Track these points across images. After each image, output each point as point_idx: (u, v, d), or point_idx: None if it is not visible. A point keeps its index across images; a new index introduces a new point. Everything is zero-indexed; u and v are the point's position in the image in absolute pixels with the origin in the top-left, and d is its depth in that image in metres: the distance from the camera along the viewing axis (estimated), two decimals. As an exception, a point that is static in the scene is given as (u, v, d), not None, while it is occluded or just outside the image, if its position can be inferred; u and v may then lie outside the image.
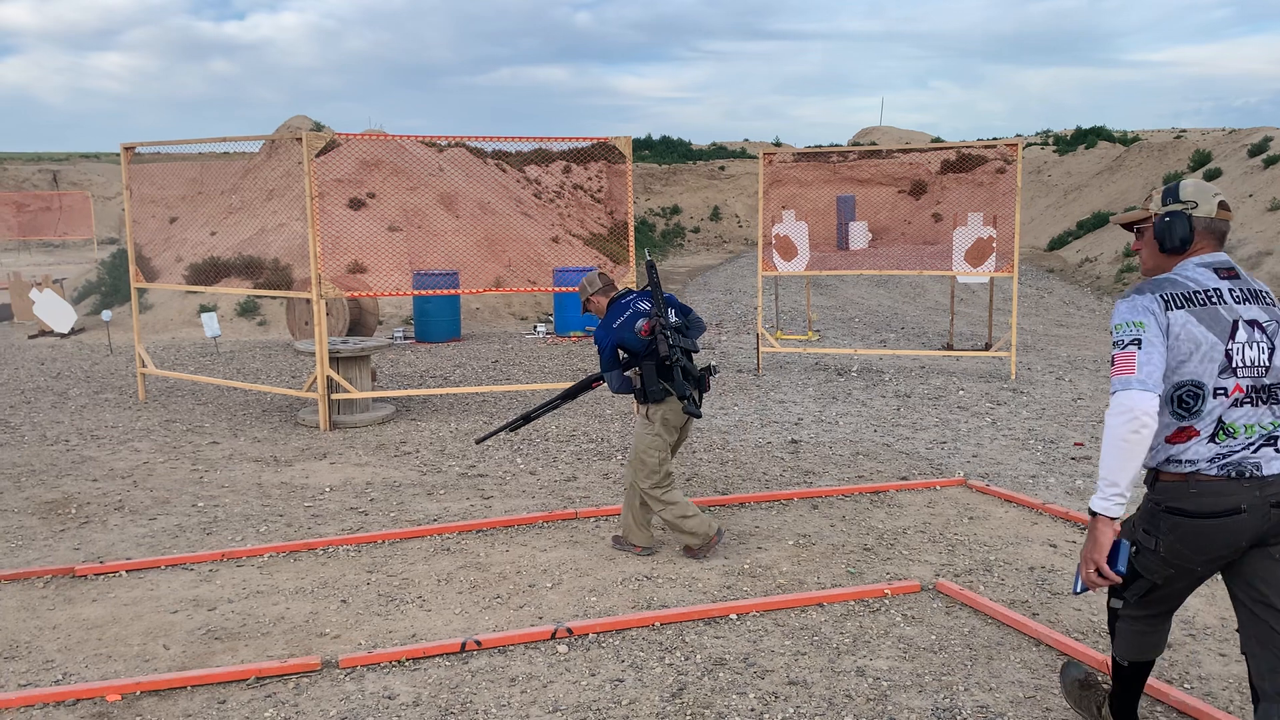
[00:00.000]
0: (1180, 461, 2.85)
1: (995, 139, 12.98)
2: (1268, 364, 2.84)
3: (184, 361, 11.90)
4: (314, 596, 4.96)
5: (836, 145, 36.98)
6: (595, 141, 9.68)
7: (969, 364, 11.23)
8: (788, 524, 5.93)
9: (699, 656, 4.26)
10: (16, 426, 8.70)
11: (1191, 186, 2.98)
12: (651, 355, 5.22)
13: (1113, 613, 3.20)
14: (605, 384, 5.45)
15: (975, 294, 17.87)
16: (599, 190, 27.01)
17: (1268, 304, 2.91)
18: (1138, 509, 3.07)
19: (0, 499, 6.64)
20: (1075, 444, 7.68)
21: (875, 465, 7.20)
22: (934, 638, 4.42)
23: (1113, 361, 2.81)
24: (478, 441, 6.07)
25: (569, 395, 5.74)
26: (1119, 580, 2.87)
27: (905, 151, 21.05)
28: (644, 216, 30.25)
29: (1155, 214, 3.01)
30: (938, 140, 39.29)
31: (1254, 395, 2.83)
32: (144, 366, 9.81)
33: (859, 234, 23.53)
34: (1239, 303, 2.86)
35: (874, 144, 36.95)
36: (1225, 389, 2.81)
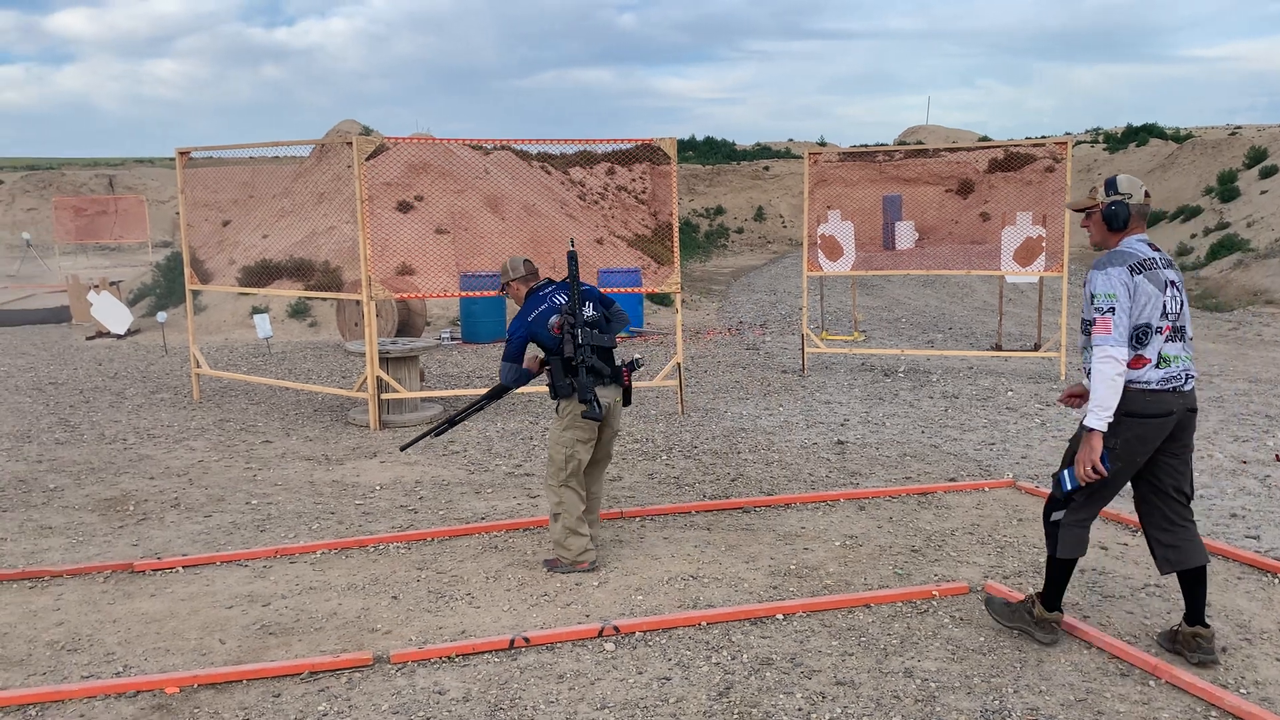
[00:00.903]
0: (1140, 381, 3.93)
1: (1044, 137, 12.84)
2: (1179, 311, 3.98)
3: (237, 362, 12.12)
4: (365, 593, 5.04)
5: (882, 144, 36.72)
6: (639, 143, 9.71)
7: (1018, 365, 11.11)
8: (834, 525, 5.92)
9: (746, 656, 4.27)
10: (76, 425, 8.91)
11: (1125, 181, 4.03)
12: (561, 352, 5.19)
13: (1054, 524, 4.16)
14: (505, 371, 5.34)
15: (1024, 294, 17.66)
16: (643, 191, 27.06)
17: (1176, 269, 4.06)
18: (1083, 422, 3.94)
19: (61, 496, 6.81)
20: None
21: (923, 466, 7.16)
22: (982, 639, 4.40)
23: (1094, 323, 3.88)
24: (402, 449, 6.09)
25: (493, 396, 5.65)
26: (1106, 474, 3.92)
27: (952, 150, 20.87)
28: (687, 217, 30.25)
29: (1101, 202, 4.04)
30: (985, 139, 38.88)
31: (1175, 334, 3.98)
32: (198, 367, 10.01)
33: (905, 234, 23.32)
34: (1164, 268, 3.99)
35: (920, 143, 36.64)
36: (1161, 329, 3.93)
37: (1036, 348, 11.44)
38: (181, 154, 9.93)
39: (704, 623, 4.58)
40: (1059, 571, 4.23)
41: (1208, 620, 4.21)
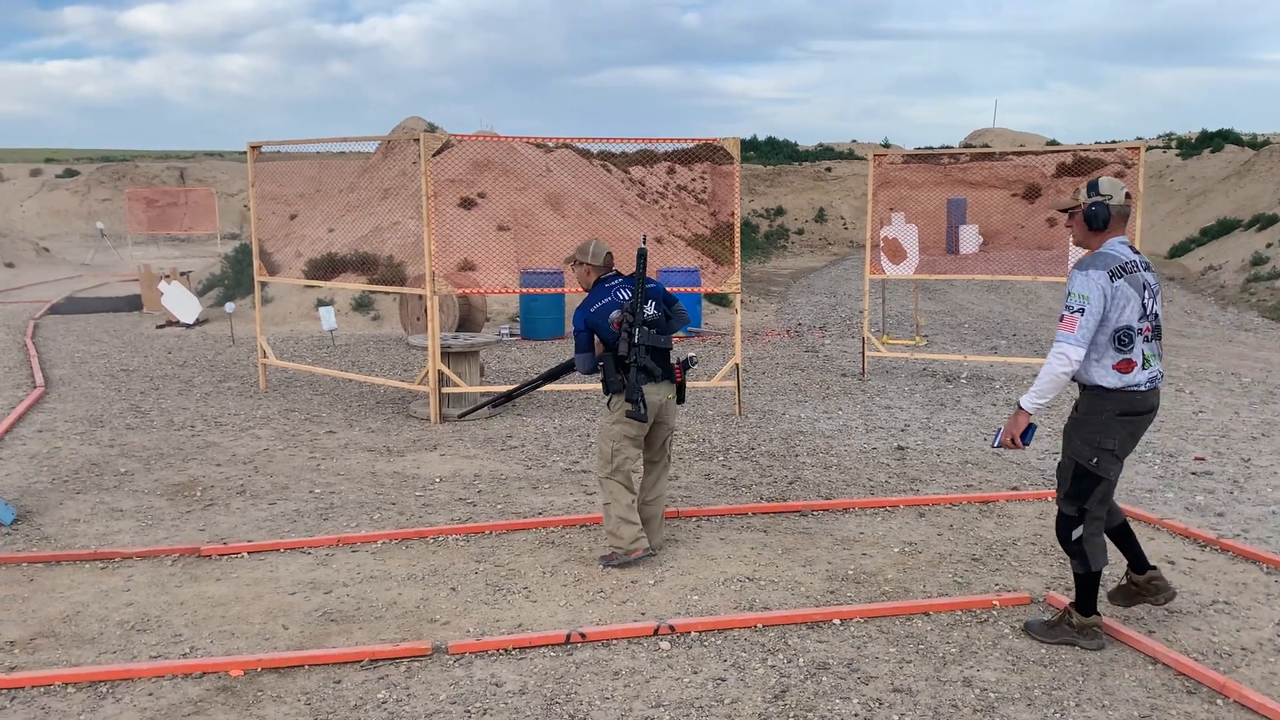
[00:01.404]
0: (1133, 385, 4.14)
1: (1114, 142, 12.57)
2: (1157, 312, 4.21)
3: (302, 353, 12.34)
4: (425, 583, 5.11)
5: (948, 147, 36.24)
6: (700, 142, 9.70)
7: (1083, 373, 10.89)
8: (893, 531, 5.87)
9: (802, 660, 4.25)
10: (146, 412, 9.14)
11: (1107, 183, 4.21)
12: (615, 349, 5.25)
13: (1077, 541, 4.28)
14: (580, 361, 5.45)
15: (1091, 301, 17.29)
16: (703, 191, 27.00)
17: (1154, 272, 4.26)
18: (1078, 435, 4.25)
19: (132, 480, 7.00)
20: (1195, 459, 7.40)
21: (984, 475, 7.06)
22: (1044, 651, 4.33)
23: (1061, 318, 4.12)
24: (459, 416, 6.23)
25: (550, 377, 5.83)
26: (1023, 447, 4.34)
27: (1019, 154, 20.53)
28: (747, 217, 30.13)
29: (1083, 203, 4.22)
30: (1053, 143, 38.17)
31: (1154, 334, 4.19)
32: (265, 357, 10.21)
33: (970, 238, 22.98)
34: (1143, 270, 4.17)
35: (987, 146, 36.08)
36: (1141, 330, 4.12)
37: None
38: (253, 148, 10.13)
39: (760, 625, 4.57)
40: (1091, 582, 4.37)
41: (1152, 564, 4.60)
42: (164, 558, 5.49)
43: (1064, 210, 4.35)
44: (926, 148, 35.52)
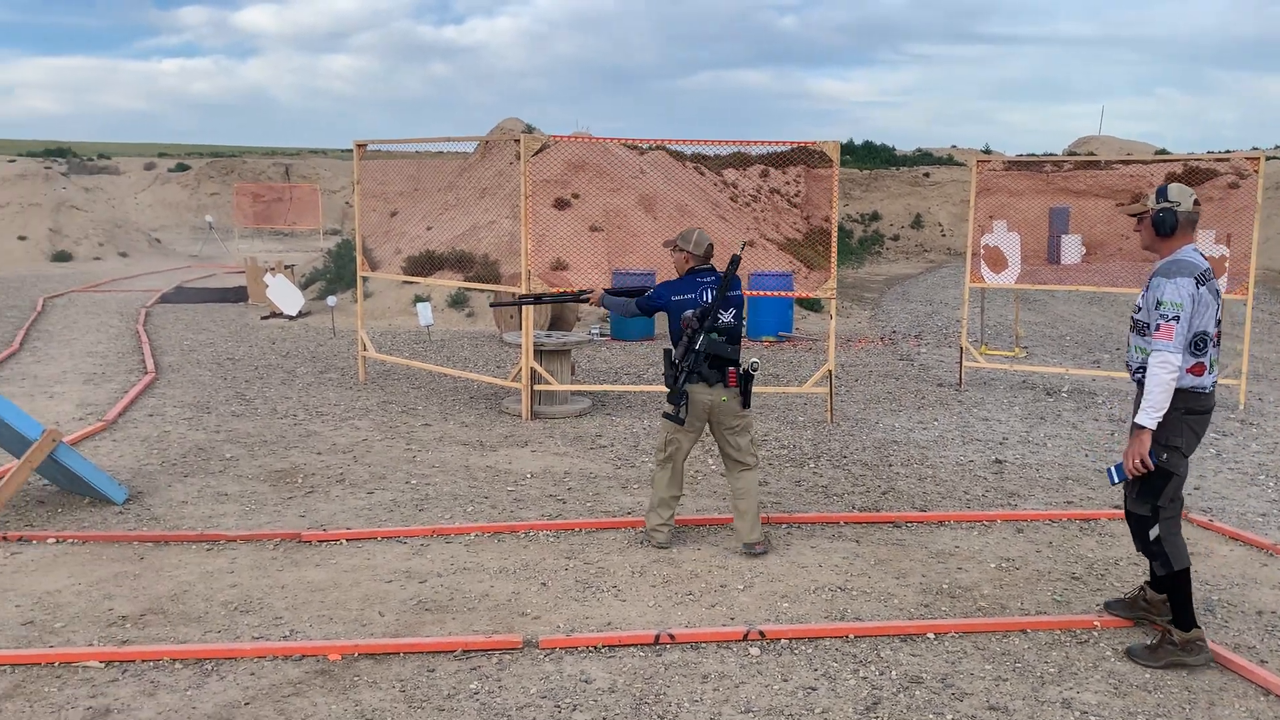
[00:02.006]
0: (1200, 387, 4.23)
1: (1228, 151, 12.10)
2: (1220, 319, 4.29)
3: (399, 347, 12.60)
4: (516, 577, 5.17)
5: (1051, 154, 35.24)
6: (795, 145, 9.62)
7: (1192, 390, 10.49)
8: (989, 546, 5.74)
9: (894, 673, 4.19)
10: (251, 400, 9.44)
11: (1175, 190, 4.28)
12: (679, 343, 5.38)
13: (1155, 541, 4.29)
14: (620, 304, 5.82)
15: (1200, 316, 16.66)
16: (796, 195, 26.77)
17: (1215, 278, 4.31)
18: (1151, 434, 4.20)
19: (236, 465, 7.23)
20: (1314, 483, 7.07)
21: (1085, 491, 6.86)
22: (1148, 676, 4.19)
23: (1158, 328, 4.14)
24: (491, 305, 6.63)
25: (576, 297, 6.35)
26: (1153, 467, 4.18)
27: (1126, 163, 19.89)
28: (841, 222, 29.78)
29: (1152, 209, 4.30)
30: (1162, 151, 36.91)
31: (1218, 339, 4.29)
32: (365, 350, 10.45)
33: (1072, 248, 22.35)
34: (1213, 278, 4.27)
35: (1092, 154, 35.04)
36: (1213, 336, 4.23)
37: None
38: (359, 146, 10.38)
39: (852, 635, 4.51)
40: (1181, 585, 4.33)
41: None
42: (266, 542, 5.66)
43: (1132, 215, 4.44)
44: (1028, 155, 34.65)
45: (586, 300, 6.19)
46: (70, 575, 5.16)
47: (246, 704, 3.89)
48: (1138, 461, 4.18)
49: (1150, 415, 4.15)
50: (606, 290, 6.06)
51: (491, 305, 7.51)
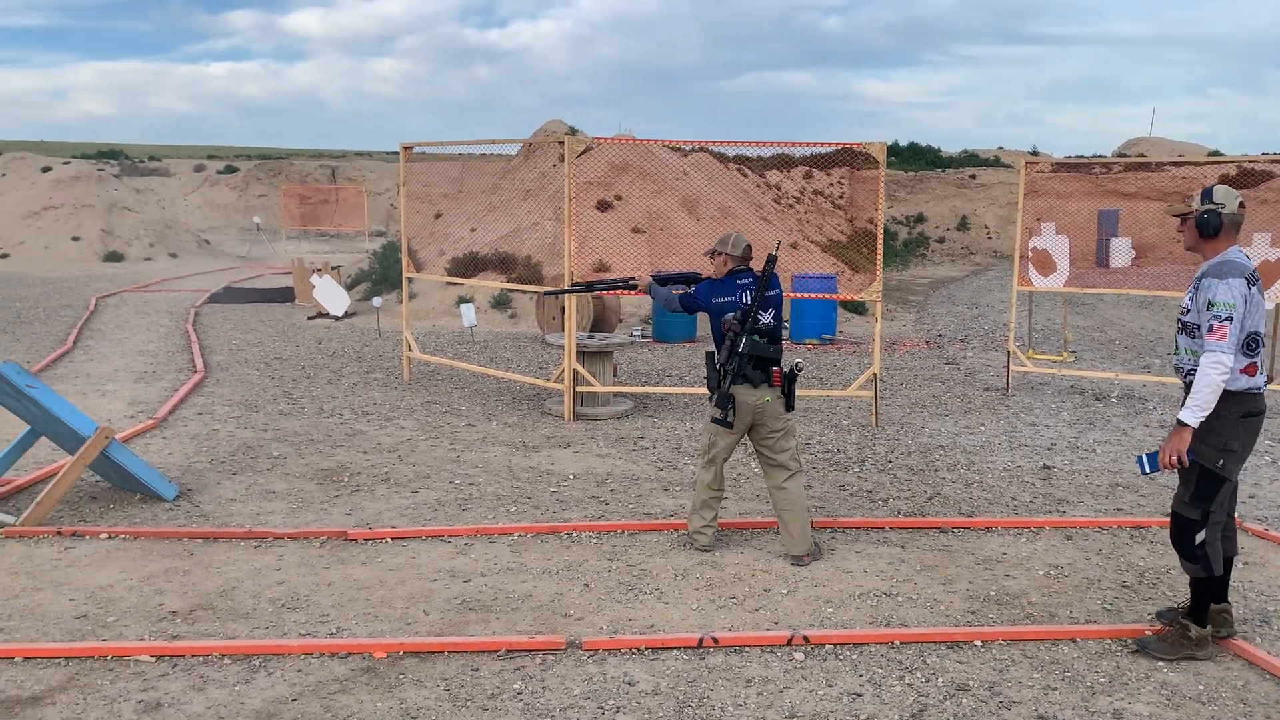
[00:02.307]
0: (1255, 387, 4.22)
1: (1290, 152, 11.82)
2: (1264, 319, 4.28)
3: (443, 348, 12.69)
4: (559, 578, 5.18)
5: (1100, 156, 34.72)
6: (839, 147, 9.55)
7: (1246, 397, 10.28)
8: (1038, 553, 5.65)
9: (941, 680, 4.14)
10: (298, 399, 9.55)
11: (1221, 191, 4.28)
12: (721, 346, 5.40)
13: (1200, 546, 4.27)
14: (665, 296, 5.83)
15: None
16: (840, 196, 26.60)
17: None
18: (1203, 438, 4.18)
19: (284, 463, 7.31)
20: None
21: (1136, 498, 6.74)
22: (1201, 688, 4.10)
23: (1210, 328, 4.10)
24: (544, 294, 6.77)
25: (624, 283, 6.49)
26: (1187, 464, 4.17)
27: (1178, 164, 19.50)
28: (886, 224, 29.52)
29: (1196, 210, 4.29)
30: (1215, 153, 36.19)
31: (1265, 339, 4.27)
32: (409, 350, 10.54)
33: (1121, 251, 21.98)
34: (1259, 280, 4.26)
35: (1142, 155, 34.48)
36: (1264, 335, 4.23)
37: (1269, 380, 10.56)
38: (405, 148, 10.46)
39: (897, 641, 4.46)
40: (1209, 589, 4.39)
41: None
42: (313, 539, 5.72)
43: (1176, 215, 4.45)
44: (1077, 156, 34.16)
45: (634, 288, 6.22)
46: (122, 570, 5.25)
47: (293, 700, 3.93)
48: (1174, 457, 4.18)
49: (1194, 413, 4.13)
50: (654, 277, 6.07)
51: (543, 294, 7.73)
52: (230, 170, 41.15)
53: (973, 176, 32.09)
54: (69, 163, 29.71)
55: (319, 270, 16.44)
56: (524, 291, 14.46)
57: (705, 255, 5.75)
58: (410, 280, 11.31)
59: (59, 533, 5.76)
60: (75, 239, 25.23)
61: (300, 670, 4.17)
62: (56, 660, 4.24)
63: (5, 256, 24.34)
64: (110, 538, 5.72)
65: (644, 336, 14.10)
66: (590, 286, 7.03)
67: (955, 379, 11.00)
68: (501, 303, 15.21)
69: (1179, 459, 4.16)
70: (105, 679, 4.09)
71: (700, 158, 20.04)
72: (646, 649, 4.37)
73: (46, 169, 28.21)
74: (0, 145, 40.84)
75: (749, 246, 5.57)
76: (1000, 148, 39.52)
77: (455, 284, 14.91)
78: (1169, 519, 4.44)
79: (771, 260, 5.37)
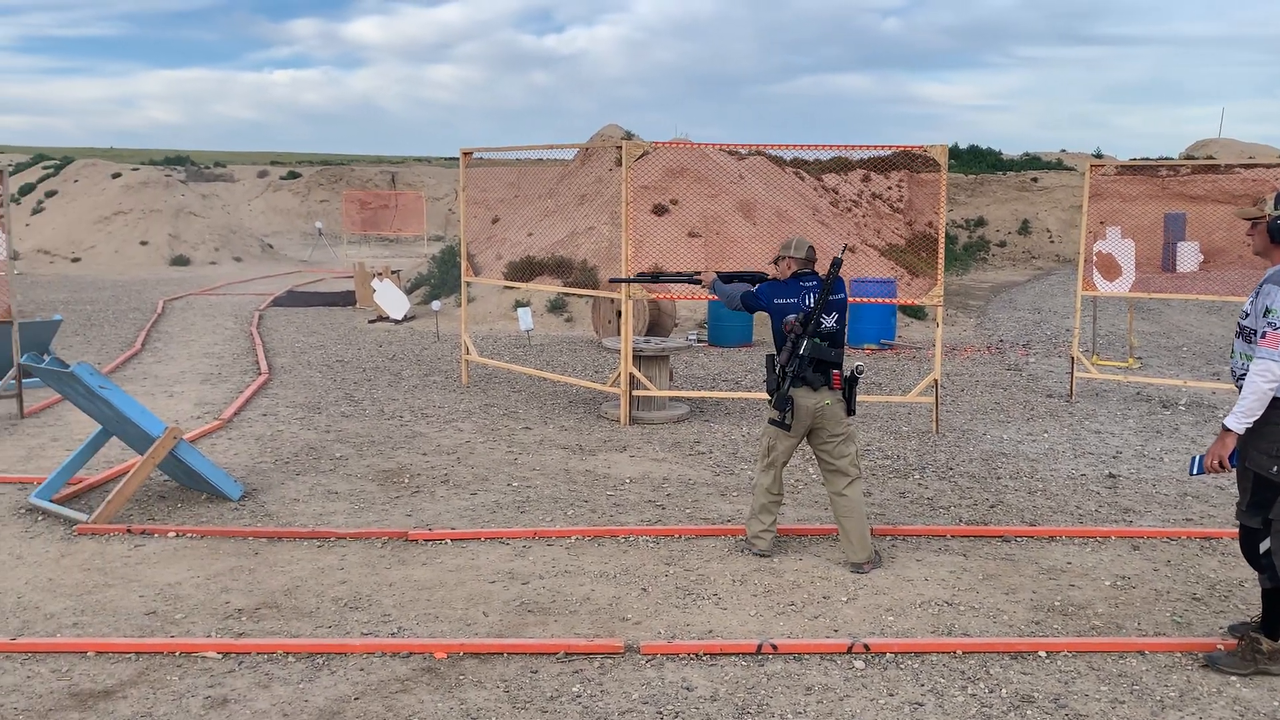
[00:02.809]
0: None
1: (1368, 153, 11.47)
2: None
3: (500, 351, 12.79)
4: (617, 582, 5.18)
5: (1166, 158, 34.00)
6: (900, 150, 9.46)
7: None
8: (1104, 563, 5.54)
9: (1004, 691, 4.07)
10: (359, 401, 9.68)
11: None
12: (782, 348, 5.37)
13: (1265, 555, 4.17)
14: (729, 293, 5.79)
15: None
16: (899, 200, 26.35)
17: None
18: (1257, 445, 4.14)
19: (346, 465, 7.42)
20: None
21: (1206, 509, 6.57)
22: (1277, 704, 3.99)
23: (1264, 335, 4.06)
24: (611, 280, 7.45)
25: (689, 278, 6.36)
26: (1231, 469, 4.18)
27: (1247, 167, 19.03)
28: (945, 227, 29.17)
29: (1269, 215, 4.23)
30: (1288, 154, 35.22)
31: None
32: (468, 353, 10.64)
33: (1188, 255, 21.51)
34: None
35: (1211, 157, 33.68)
36: None
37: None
38: (465, 154, 10.57)
39: (959, 651, 4.40)
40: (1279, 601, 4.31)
41: None
42: (374, 540, 5.79)
43: (1247, 219, 4.38)
44: (1143, 159, 33.47)
45: (698, 282, 6.24)
46: (189, 568, 5.36)
47: (356, 699, 3.99)
48: (1216, 462, 4.18)
49: (1239, 419, 4.11)
50: (719, 274, 6.07)
51: (610, 281, 7.90)
52: (293, 176, 41.90)
53: (1034, 179, 31.58)
54: (137, 169, 30.47)
55: (379, 274, 16.66)
56: (580, 295, 14.52)
57: (770, 264, 5.75)
58: (469, 284, 11.42)
59: (129, 530, 5.90)
60: (143, 243, 25.87)
61: (362, 669, 4.23)
62: (127, 655, 4.34)
63: (77, 260, 25.04)
64: (178, 536, 5.85)
65: (700, 341, 14.08)
66: (656, 277, 7.07)
67: (1017, 385, 10.83)
68: (558, 306, 15.29)
69: (1222, 463, 4.17)
70: (174, 674, 4.18)
71: (756, 161, 19.97)
72: (705, 654, 4.36)
73: (116, 175, 28.98)
74: (72, 152, 42.01)
75: (812, 249, 5.55)
76: (1063, 150, 38.87)
77: (512, 288, 15.02)
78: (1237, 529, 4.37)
79: (837, 264, 5.34)
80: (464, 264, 10.85)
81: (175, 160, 46.48)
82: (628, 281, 8.10)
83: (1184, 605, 4.99)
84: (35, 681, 4.13)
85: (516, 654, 4.35)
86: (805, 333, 5.27)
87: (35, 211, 27.86)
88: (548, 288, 13.59)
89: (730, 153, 18.87)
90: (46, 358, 7.11)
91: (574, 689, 4.07)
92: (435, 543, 5.75)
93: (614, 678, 4.16)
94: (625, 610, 4.84)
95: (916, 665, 4.29)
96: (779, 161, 21.38)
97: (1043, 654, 4.40)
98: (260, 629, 4.63)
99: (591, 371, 11.36)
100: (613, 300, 12.36)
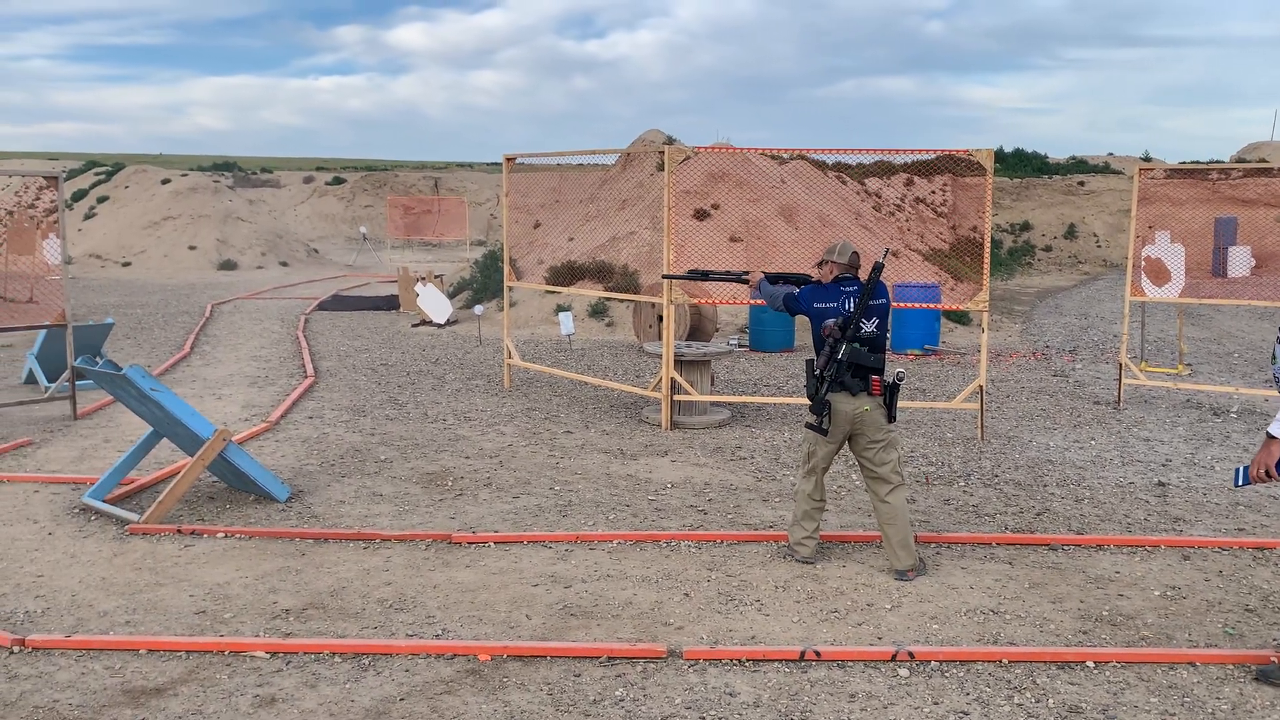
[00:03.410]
0: None
1: None
2: None
3: (541, 355, 12.85)
4: (659, 586, 5.19)
5: (1217, 161, 33.42)
6: (944, 154, 9.38)
7: (1379, 413, 9.75)
8: (1153, 573, 5.45)
9: (1051, 701, 4.02)
10: (403, 404, 9.77)
11: None
12: (821, 352, 5.36)
13: None
14: (773, 294, 5.82)
15: (1387, 333, 15.47)
16: (942, 204, 26.11)
17: None
18: None
19: (390, 467, 7.49)
20: None
21: (1259, 518, 6.45)
22: (1334, 720, 3.90)
23: None
24: (664, 276, 7.42)
25: (737, 277, 6.51)
26: (1277, 478, 4.08)
27: (1303, 169, 18.60)
28: (990, 232, 28.86)
29: None
30: (1344, 156, 34.42)
31: None
32: (510, 358, 10.70)
33: (1240, 260, 21.08)
34: None
35: (1263, 160, 33.02)
36: None
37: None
38: (508, 160, 10.64)
39: (1005, 660, 4.36)
40: None
41: None
42: (419, 542, 5.85)
43: None
44: (1193, 162, 32.92)
45: (746, 281, 6.29)
46: (238, 568, 5.44)
47: (401, 699, 4.03)
48: (1262, 471, 4.14)
49: None
50: (765, 274, 6.08)
51: (664, 277, 8.05)
52: (338, 182, 42.38)
53: (1081, 183, 31.17)
54: (186, 175, 30.99)
55: (423, 279, 16.80)
56: (621, 300, 14.54)
57: (814, 267, 5.74)
58: (510, 289, 11.49)
59: (179, 530, 6.00)
60: (192, 248, 26.29)
61: (408, 670, 4.27)
62: (178, 654, 4.42)
63: (128, 265, 25.51)
64: (227, 536, 5.94)
65: (741, 345, 14.05)
66: (706, 275, 7.11)
67: (1064, 392, 10.69)
68: (599, 311, 15.33)
69: (1268, 472, 4.10)
70: (223, 673, 4.25)
71: (798, 165, 19.90)
72: (747, 660, 4.35)
73: (165, 181, 29.48)
74: (123, 158, 42.82)
75: (856, 254, 5.54)
76: (1110, 154, 38.31)
77: (553, 292, 15.08)
78: None
79: (878, 268, 5.32)
80: (506, 269, 10.92)
81: (223, 166, 47.20)
82: (678, 279, 8.16)
83: (1236, 616, 4.90)
84: (89, 678, 4.21)
85: (559, 657, 4.37)
86: (844, 337, 5.25)
87: (88, 217, 28.44)
88: (589, 292, 13.63)
89: (772, 157, 18.80)
90: (99, 360, 7.25)
91: (617, 693, 4.08)
92: (479, 545, 5.79)
93: (656, 682, 4.17)
94: (668, 615, 4.84)
95: (962, 674, 4.25)
96: (821, 166, 21.28)
97: (1090, 664, 4.34)
98: (307, 629, 4.69)
99: (632, 376, 11.37)
100: (654, 305, 12.38)
